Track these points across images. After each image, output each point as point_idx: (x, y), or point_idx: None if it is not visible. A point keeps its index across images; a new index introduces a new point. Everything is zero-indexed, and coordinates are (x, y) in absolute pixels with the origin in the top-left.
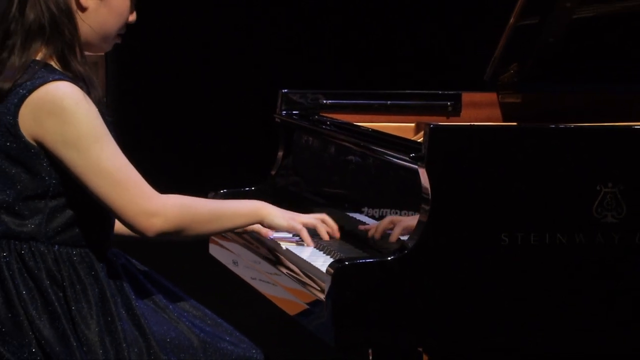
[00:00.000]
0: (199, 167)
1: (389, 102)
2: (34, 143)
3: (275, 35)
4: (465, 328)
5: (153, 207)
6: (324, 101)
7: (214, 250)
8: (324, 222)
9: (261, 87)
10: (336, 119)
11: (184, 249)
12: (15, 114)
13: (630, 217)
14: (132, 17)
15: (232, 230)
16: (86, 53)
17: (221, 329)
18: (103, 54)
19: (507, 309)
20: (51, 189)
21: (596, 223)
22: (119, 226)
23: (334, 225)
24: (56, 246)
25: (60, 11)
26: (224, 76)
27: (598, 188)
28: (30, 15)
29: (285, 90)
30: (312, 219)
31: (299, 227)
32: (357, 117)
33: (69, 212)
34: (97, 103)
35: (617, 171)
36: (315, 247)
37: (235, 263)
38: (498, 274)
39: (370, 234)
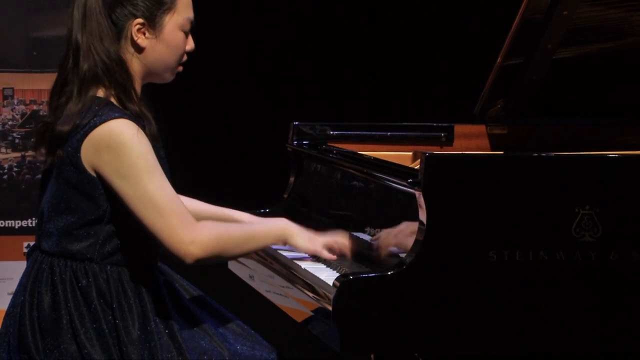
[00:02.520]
0: (220, 190)
1: (388, 133)
2: (93, 174)
3: (289, 78)
4: (457, 336)
5: (192, 237)
6: (331, 132)
7: (232, 265)
8: (337, 243)
9: (275, 120)
10: (342, 148)
11: (205, 266)
12: (78, 148)
13: (605, 236)
14: (190, 46)
15: (260, 249)
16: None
17: (249, 337)
18: None
19: (495, 318)
20: (106, 215)
21: (575, 242)
22: None
23: (343, 248)
24: (108, 267)
25: (112, 60)
26: (244, 111)
27: (576, 210)
28: (84, 65)
29: (297, 123)
30: (329, 242)
31: (320, 249)
32: (361, 146)
33: (121, 236)
34: (152, 138)
35: (594, 195)
36: (322, 263)
37: (251, 277)
38: (486, 287)
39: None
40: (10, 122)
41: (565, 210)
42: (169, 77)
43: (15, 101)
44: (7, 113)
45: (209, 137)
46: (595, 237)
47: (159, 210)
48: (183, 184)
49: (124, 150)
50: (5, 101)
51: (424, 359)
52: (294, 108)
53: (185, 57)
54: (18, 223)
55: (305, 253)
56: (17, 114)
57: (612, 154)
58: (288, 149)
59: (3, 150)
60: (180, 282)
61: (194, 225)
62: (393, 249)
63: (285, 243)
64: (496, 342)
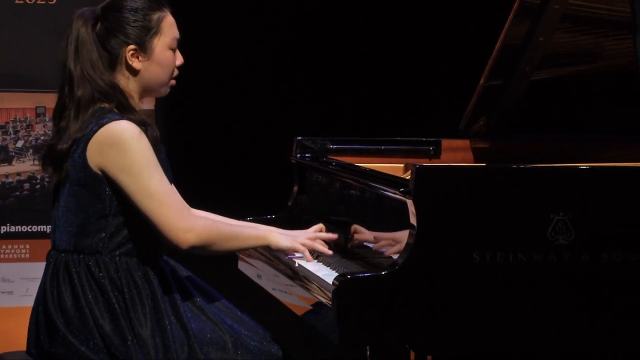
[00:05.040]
0: (229, 199)
1: (382, 146)
2: (98, 172)
3: (293, 94)
4: (444, 330)
5: (188, 225)
6: (331, 146)
7: (242, 266)
8: (319, 238)
9: (280, 135)
10: (340, 161)
11: (218, 266)
12: (84, 149)
13: (577, 240)
14: (179, 61)
15: (245, 249)
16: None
17: (249, 327)
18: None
19: (478, 314)
20: (113, 210)
21: (550, 245)
22: None
23: (331, 236)
24: (117, 257)
25: (106, 85)
26: (251, 127)
27: (551, 216)
28: (79, 92)
29: (300, 137)
30: (310, 241)
31: (302, 248)
32: (357, 158)
33: (127, 229)
34: (153, 140)
35: (567, 203)
36: (323, 264)
37: (259, 276)
38: (470, 286)
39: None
40: (42, 137)
41: (541, 216)
42: (164, 92)
43: (47, 118)
44: (39, 129)
45: (221, 150)
46: (568, 241)
47: (160, 201)
48: (196, 192)
49: (127, 148)
50: (37, 118)
51: (414, 351)
52: (295, 112)
53: (176, 72)
54: (49, 228)
55: (291, 250)
56: (48, 130)
57: (583, 165)
58: (292, 161)
59: (36, 162)
60: (182, 271)
61: (192, 215)
62: (370, 244)
63: (269, 247)
64: (479, 335)
